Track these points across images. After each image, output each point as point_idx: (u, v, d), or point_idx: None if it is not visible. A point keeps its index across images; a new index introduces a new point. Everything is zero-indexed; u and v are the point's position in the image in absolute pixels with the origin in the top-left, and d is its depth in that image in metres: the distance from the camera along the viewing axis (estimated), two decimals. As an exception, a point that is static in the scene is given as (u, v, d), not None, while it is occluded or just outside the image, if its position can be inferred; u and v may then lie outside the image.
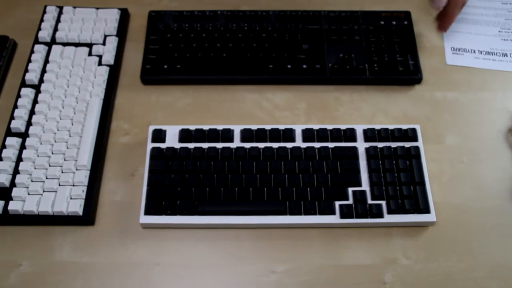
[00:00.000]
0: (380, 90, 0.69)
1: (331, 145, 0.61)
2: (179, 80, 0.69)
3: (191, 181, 0.59)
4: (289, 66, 0.69)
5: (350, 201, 0.58)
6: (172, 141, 0.62)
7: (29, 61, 0.68)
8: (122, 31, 0.73)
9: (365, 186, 0.59)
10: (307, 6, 0.76)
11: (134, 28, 0.74)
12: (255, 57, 0.69)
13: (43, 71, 0.68)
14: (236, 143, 0.62)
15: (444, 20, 0.68)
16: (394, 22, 0.73)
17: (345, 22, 0.73)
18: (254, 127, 0.63)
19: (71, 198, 0.59)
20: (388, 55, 0.70)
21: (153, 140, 0.62)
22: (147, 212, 0.58)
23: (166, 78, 0.69)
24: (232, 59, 0.69)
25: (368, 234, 0.58)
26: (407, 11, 0.74)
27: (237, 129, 0.63)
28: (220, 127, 0.63)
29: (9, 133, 0.63)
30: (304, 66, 0.69)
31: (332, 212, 0.57)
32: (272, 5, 0.77)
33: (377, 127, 0.63)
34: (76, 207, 0.58)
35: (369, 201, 0.58)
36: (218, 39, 0.71)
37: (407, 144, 0.62)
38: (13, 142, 0.62)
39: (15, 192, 0.59)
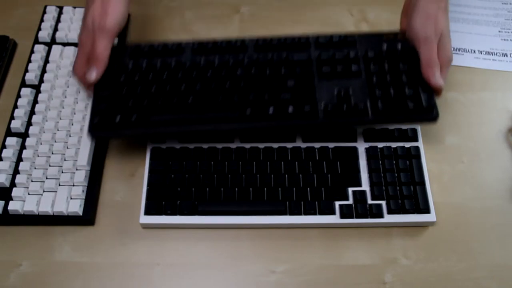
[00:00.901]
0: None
1: (331, 145, 0.61)
2: (135, 135, 0.59)
3: (191, 181, 0.59)
4: (271, 111, 0.56)
5: (350, 201, 0.58)
6: (172, 141, 0.62)
7: (29, 61, 0.68)
8: (122, 31, 0.72)
9: (365, 186, 0.59)
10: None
11: (134, 28, 0.74)
12: (229, 101, 0.57)
13: (43, 71, 0.68)
14: (236, 143, 0.62)
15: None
16: (399, 46, 0.61)
17: (339, 49, 0.60)
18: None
19: (71, 198, 0.59)
20: (394, 88, 0.57)
21: (153, 141, 0.62)
22: (147, 212, 0.58)
23: (119, 133, 0.58)
24: (199, 105, 0.57)
25: (368, 234, 0.58)
26: None
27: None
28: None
29: (9, 133, 0.63)
30: (290, 110, 0.56)
31: (332, 212, 0.57)
32: (272, 4, 0.77)
33: (377, 127, 0.63)
34: (76, 207, 0.58)
35: (369, 201, 0.58)
36: (183, 79, 0.58)
37: (407, 144, 0.61)
38: (13, 142, 0.62)
39: (15, 192, 0.59)
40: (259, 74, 0.59)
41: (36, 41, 0.71)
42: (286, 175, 0.59)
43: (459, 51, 0.73)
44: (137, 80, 0.59)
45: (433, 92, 0.58)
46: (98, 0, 0.59)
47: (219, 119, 0.56)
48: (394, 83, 0.58)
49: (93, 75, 0.58)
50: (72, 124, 0.63)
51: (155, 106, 0.57)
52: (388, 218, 0.57)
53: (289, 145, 0.61)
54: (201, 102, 0.57)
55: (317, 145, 0.61)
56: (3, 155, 0.61)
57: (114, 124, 0.57)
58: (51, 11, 0.73)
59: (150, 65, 0.60)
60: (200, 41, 0.61)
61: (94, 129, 0.57)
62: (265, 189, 0.59)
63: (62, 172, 0.60)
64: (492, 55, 0.72)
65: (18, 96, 0.66)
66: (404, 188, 0.58)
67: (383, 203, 0.58)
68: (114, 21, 0.59)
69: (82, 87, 0.61)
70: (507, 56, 0.72)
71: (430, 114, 0.57)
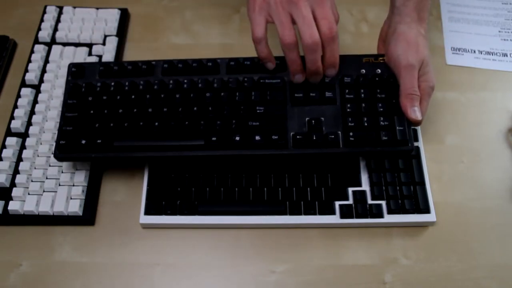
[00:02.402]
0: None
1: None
2: (99, 158, 0.57)
3: (191, 181, 0.59)
4: (237, 139, 0.54)
5: (350, 201, 0.58)
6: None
7: (29, 61, 0.69)
8: (122, 31, 0.73)
9: (365, 186, 0.59)
10: None
11: (134, 28, 0.74)
12: (195, 127, 0.55)
13: (43, 71, 0.68)
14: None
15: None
16: (378, 70, 0.58)
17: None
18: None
19: (71, 198, 0.59)
20: (368, 118, 0.55)
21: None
22: (147, 212, 0.58)
23: (83, 156, 0.57)
24: (165, 130, 0.55)
25: (368, 234, 0.58)
26: None
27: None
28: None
29: (9, 133, 0.63)
30: (257, 138, 0.54)
31: (332, 212, 0.57)
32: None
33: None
34: (76, 207, 0.58)
35: (369, 201, 0.58)
36: (151, 102, 0.57)
37: (407, 144, 0.61)
38: (13, 142, 0.62)
39: (15, 192, 0.59)
40: (228, 98, 0.57)
41: (36, 41, 0.71)
42: (286, 175, 0.59)
43: (459, 51, 0.73)
44: (104, 101, 0.58)
45: (410, 123, 0.55)
46: None
47: (184, 147, 0.55)
48: (369, 112, 0.55)
49: (272, 66, 0.56)
50: (72, 124, 0.63)
51: (120, 130, 0.56)
52: (388, 218, 0.57)
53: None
54: (167, 127, 0.56)
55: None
56: (3, 155, 0.61)
57: (79, 147, 0.56)
58: (51, 11, 0.73)
59: (118, 85, 0.59)
60: (171, 61, 0.60)
61: (60, 151, 0.57)
62: (265, 189, 0.59)
63: (62, 172, 0.60)
64: (492, 55, 0.72)
65: (18, 96, 0.66)
66: (404, 188, 0.58)
67: (383, 203, 0.58)
68: None
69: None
70: (507, 56, 0.72)
71: (404, 147, 0.55)
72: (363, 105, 0.56)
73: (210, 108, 0.56)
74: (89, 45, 0.70)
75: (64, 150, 0.57)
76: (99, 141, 0.55)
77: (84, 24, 0.72)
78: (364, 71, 0.58)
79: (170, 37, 0.73)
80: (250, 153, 0.55)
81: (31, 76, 0.67)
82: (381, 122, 0.55)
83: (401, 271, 0.56)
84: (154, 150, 0.55)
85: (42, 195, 0.59)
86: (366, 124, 0.55)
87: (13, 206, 0.58)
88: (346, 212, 0.57)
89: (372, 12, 0.76)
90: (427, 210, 0.58)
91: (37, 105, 0.65)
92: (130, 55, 0.72)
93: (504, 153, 0.64)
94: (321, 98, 0.56)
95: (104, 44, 0.71)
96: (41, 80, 0.67)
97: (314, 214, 0.57)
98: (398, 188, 0.59)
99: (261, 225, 0.58)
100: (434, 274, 0.56)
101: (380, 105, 0.56)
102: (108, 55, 0.69)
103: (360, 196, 0.58)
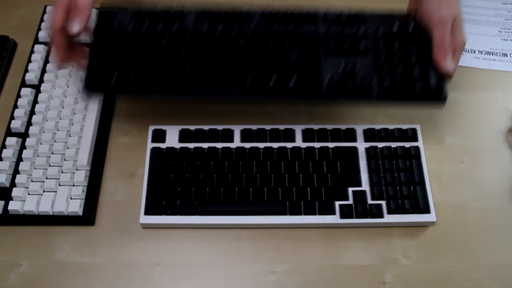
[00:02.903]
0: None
1: (331, 145, 0.61)
2: (128, 97, 0.59)
3: (191, 181, 0.59)
4: (271, 84, 0.55)
5: (350, 201, 0.58)
6: (172, 141, 0.62)
7: (29, 61, 0.68)
8: None
9: (365, 186, 0.59)
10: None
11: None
12: (229, 71, 0.55)
13: (43, 71, 0.68)
14: (236, 143, 0.62)
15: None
16: (411, 26, 0.59)
17: (348, 26, 0.58)
18: (254, 127, 0.63)
19: (71, 198, 0.59)
20: (402, 69, 0.56)
21: (153, 140, 0.62)
22: (147, 212, 0.58)
23: (113, 93, 0.59)
24: (198, 74, 0.55)
25: (368, 234, 0.58)
26: None
27: (237, 129, 0.63)
28: (220, 127, 0.63)
29: (9, 133, 0.63)
30: (292, 83, 0.55)
31: (332, 212, 0.57)
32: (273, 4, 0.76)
33: (377, 127, 0.63)
34: (76, 207, 0.58)
35: (369, 201, 0.58)
36: (183, 46, 0.56)
37: (407, 144, 0.61)
38: (13, 142, 0.62)
39: (15, 192, 0.59)
40: (262, 45, 0.57)
41: (36, 41, 0.71)
42: (286, 175, 0.59)
43: (459, 51, 0.73)
44: (135, 43, 0.57)
45: (443, 76, 0.56)
46: None
47: (217, 88, 0.55)
48: (402, 63, 0.56)
49: (76, 26, 0.53)
50: (72, 124, 0.63)
51: (152, 71, 0.55)
52: (388, 218, 0.57)
53: (289, 145, 0.61)
54: (200, 69, 0.55)
55: (317, 145, 0.61)
56: (3, 155, 0.61)
57: (108, 86, 0.55)
58: (51, 11, 0.73)
59: (150, 29, 0.57)
60: (204, 8, 0.59)
61: (89, 88, 0.56)
62: (265, 189, 0.59)
63: (62, 172, 0.60)
64: (492, 55, 0.72)
65: (18, 96, 0.66)
66: (404, 188, 0.58)
67: (383, 203, 0.58)
68: None
69: (57, 43, 0.54)
70: (507, 56, 0.72)
71: (437, 97, 0.55)
72: (396, 57, 0.56)
73: (244, 54, 0.56)
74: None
75: (93, 88, 0.56)
76: (129, 81, 0.55)
77: (84, 24, 0.72)
78: (396, 25, 0.59)
79: None
80: (285, 97, 0.55)
81: (31, 76, 0.67)
82: (415, 72, 0.55)
83: (401, 271, 0.56)
84: (187, 91, 0.55)
85: (42, 195, 0.59)
86: (399, 76, 0.55)
87: (13, 206, 0.58)
88: (346, 212, 0.57)
89: (372, 12, 0.76)
90: (427, 210, 0.58)
91: (37, 105, 0.65)
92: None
93: (504, 153, 0.64)
94: (355, 49, 0.57)
95: (104, 44, 0.71)
96: (41, 80, 0.67)
97: (314, 214, 0.58)
98: (398, 188, 0.59)
99: (261, 225, 0.58)
100: (434, 274, 0.56)
101: (413, 57, 0.56)
102: (108, 55, 0.69)
103: (360, 196, 0.58)
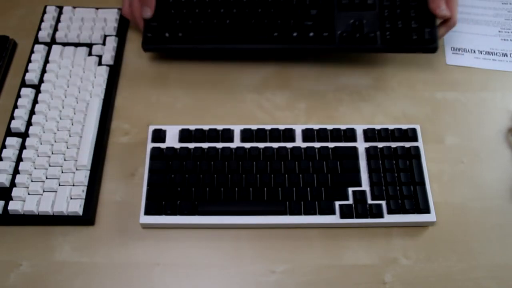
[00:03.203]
0: (380, 90, 0.69)
1: (331, 145, 0.61)
2: (180, 50, 0.69)
3: (191, 181, 0.59)
4: (295, 34, 0.65)
5: (350, 201, 0.58)
6: (172, 141, 0.62)
7: (29, 61, 0.69)
8: (122, 31, 0.73)
9: (365, 186, 0.59)
10: None
11: (134, 28, 0.74)
12: (260, 24, 0.66)
13: (43, 71, 0.68)
14: (236, 143, 0.62)
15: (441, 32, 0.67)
16: None
17: None
18: (254, 127, 0.63)
19: (71, 198, 0.59)
20: (402, 22, 0.65)
21: (153, 140, 0.62)
22: (147, 212, 0.58)
23: (167, 48, 0.68)
24: (235, 27, 0.66)
25: (368, 234, 0.58)
26: None
27: (237, 129, 0.63)
28: (220, 127, 0.63)
29: (9, 133, 0.63)
30: (311, 34, 0.65)
31: (332, 212, 0.57)
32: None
33: (377, 127, 0.63)
34: (76, 207, 0.58)
35: (369, 201, 0.58)
36: (222, 5, 0.68)
37: (407, 144, 0.61)
38: (13, 142, 0.62)
39: (15, 192, 0.59)
40: (286, 3, 0.67)
41: (36, 41, 0.71)
42: (286, 175, 0.59)
43: (459, 51, 0.73)
44: (183, 3, 0.68)
45: (443, 23, 0.66)
46: None
47: (251, 39, 0.66)
48: (402, 17, 0.65)
49: (149, 13, 0.68)
50: (72, 124, 0.63)
51: (198, 26, 0.67)
52: (388, 218, 0.57)
53: (289, 145, 0.61)
54: (236, 25, 0.66)
55: (317, 145, 0.61)
56: (3, 155, 0.61)
57: (163, 39, 0.67)
58: (51, 11, 0.73)
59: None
60: None
61: (147, 43, 0.67)
62: (265, 189, 0.59)
63: (62, 172, 0.60)
64: (492, 55, 0.72)
65: (18, 96, 0.66)
66: (404, 188, 0.58)
67: (383, 203, 0.58)
68: None
69: (136, 24, 0.70)
70: (507, 56, 0.72)
71: (431, 45, 0.64)
72: (398, 11, 0.66)
73: (272, 10, 0.66)
74: (89, 45, 0.70)
75: (150, 42, 0.67)
76: (180, 34, 0.66)
77: (84, 24, 0.72)
78: None
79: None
80: (305, 47, 0.66)
81: (31, 76, 0.67)
82: (413, 24, 0.65)
83: (401, 271, 0.56)
84: (228, 42, 0.66)
85: (42, 195, 0.59)
86: (400, 26, 0.65)
87: (13, 206, 0.58)
88: (346, 212, 0.57)
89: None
90: (427, 210, 0.58)
91: (37, 105, 0.65)
92: (130, 55, 0.72)
93: (504, 153, 0.64)
94: (363, 4, 0.67)
95: (104, 44, 0.71)
96: (41, 80, 0.67)
97: (314, 214, 0.58)
98: (398, 188, 0.59)
99: (261, 225, 0.58)
100: (434, 274, 0.56)
101: (412, 11, 0.65)
102: (108, 55, 0.69)
103: (360, 196, 0.58)
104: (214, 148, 0.61)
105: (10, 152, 0.61)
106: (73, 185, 0.60)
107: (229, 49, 0.67)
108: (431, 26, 0.65)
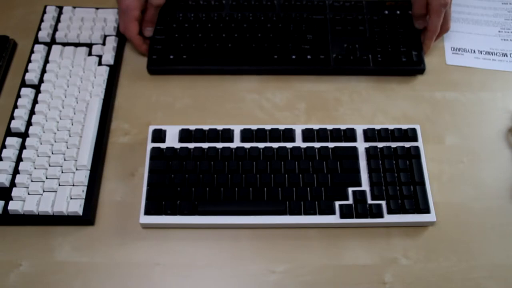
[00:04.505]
0: (380, 90, 0.69)
1: (331, 145, 0.61)
2: (184, 71, 0.70)
3: (191, 181, 0.59)
4: (293, 57, 0.69)
5: (350, 201, 0.58)
6: (172, 141, 0.62)
7: (29, 61, 0.68)
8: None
9: (365, 186, 0.59)
10: None
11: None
12: (260, 47, 0.70)
13: (43, 71, 0.68)
14: (236, 143, 0.62)
15: (423, 42, 0.70)
16: (398, 12, 0.73)
17: (349, 12, 0.73)
18: (254, 127, 0.63)
19: (71, 198, 0.59)
20: (391, 46, 0.70)
21: (153, 140, 0.62)
22: (147, 212, 0.58)
23: (172, 69, 0.69)
24: (237, 50, 0.69)
25: (368, 234, 0.58)
26: (410, 0, 0.72)
27: (237, 129, 0.63)
28: (220, 127, 0.63)
29: (9, 133, 0.63)
30: (309, 57, 0.69)
31: (332, 212, 0.57)
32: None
33: (377, 127, 0.63)
34: (76, 207, 0.58)
35: (369, 201, 0.58)
36: (224, 29, 0.71)
37: (407, 144, 0.61)
38: (13, 142, 0.62)
39: (15, 192, 0.59)
40: (284, 29, 0.71)
41: (36, 41, 0.71)
42: (286, 175, 0.59)
43: (459, 51, 0.73)
44: (186, 28, 0.71)
45: (422, 49, 0.70)
46: None
47: (252, 61, 0.69)
48: (391, 41, 0.70)
49: (150, 32, 0.71)
50: (72, 124, 0.63)
51: (201, 48, 0.70)
52: (388, 218, 0.57)
53: (289, 145, 0.61)
54: (238, 48, 0.70)
55: (317, 145, 0.61)
56: (3, 155, 0.61)
57: (168, 61, 0.69)
58: (51, 11, 0.73)
59: (196, 17, 0.72)
60: (237, 0, 0.74)
61: (152, 64, 0.69)
62: (265, 189, 0.59)
63: (62, 172, 0.60)
64: (492, 55, 0.72)
65: (18, 96, 0.66)
66: (404, 188, 0.58)
67: (383, 203, 0.58)
68: None
69: (132, 42, 0.70)
70: (507, 56, 0.72)
71: (418, 66, 0.69)
72: (387, 36, 0.71)
73: (271, 35, 0.71)
74: (89, 45, 0.70)
75: (156, 64, 0.69)
76: (185, 56, 0.69)
77: (84, 24, 0.72)
78: (387, 12, 0.73)
79: None
80: (303, 68, 0.70)
81: (31, 76, 0.67)
82: (401, 48, 0.70)
83: (401, 271, 0.56)
84: (230, 64, 0.70)
85: (42, 195, 0.59)
86: (389, 49, 0.70)
87: (13, 206, 0.58)
88: (346, 212, 0.57)
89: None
90: (427, 210, 0.58)
91: (37, 105, 0.65)
92: (130, 55, 0.72)
93: (504, 153, 0.64)
94: (355, 30, 0.72)
95: (104, 44, 0.71)
96: (41, 80, 0.67)
97: (314, 214, 0.58)
98: (398, 188, 0.59)
99: (261, 225, 0.58)
100: (434, 274, 0.56)
101: (400, 36, 0.71)
102: (108, 55, 0.69)
103: (360, 196, 0.58)
104: (214, 148, 0.61)
105: (10, 152, 0.61)
106: (73, 185, 0.60)
107: (232, 70, 0.70)
108: (418, 49, 0.70)
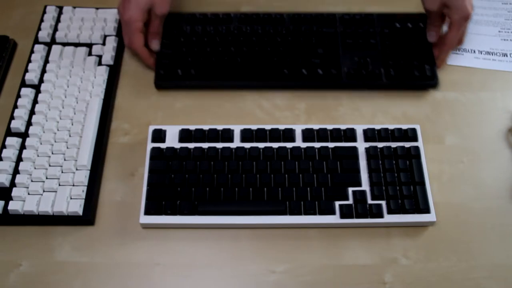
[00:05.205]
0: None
1: (331, 145, 0.61)
2: (193, 86, 0.68)
3: (191, 181, 0.59)
4: (304, 72, 0.67)
5: (350, 201, 0.58)
6: (172, 141, 0.62)
7: (29, 61, 0.69)
8: (122, 31, 0.73)
9: (365, 186, 0.59)
10: (310, 7, 0.75)
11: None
12: (270, 62, 0.68)
13: (43, 71, 0.68)
14: (236, 143, 0.62)
15: (437, 56, 0.69)
16: (409, 25, 0.71)
17: (360, 25, 0.71)
18: (254, 127, 0.63)
19: (71, 198, 0.59)
20: (404, 60, 0.68)
21: (153, 140, 0.62)
22: (147, 212, 0.58)
23: (179, 84, 0.68)
24: (246, 64, 0.68)
25: (368, 234, 0.58)
26: (422, 13, 0.70)
27: (237, 129, 0.63)
28: (220, 127, 0.63)
29: (9, 133, 0.63)
30: (319, 72, 0.67)
31: (332, 212, 0.57)
32: (272, 4, 0.77)
33: (377, 127, 0.63)
34: (76, 207, 0.58)
35: (369, 201, 0.58)
36: (232, 43, 0.69)
37: (407, 144, 0.61)
38: (13, 142, 0.62)
39: (15, 192, 0.59)
40: (294, 42, 0.70)
41: (36, 41, 0.71)
42: (286, 175, 0.59)
43: (459, 51, 0.73)
44: (194, 42, 0.70)
45: (435, 64, 0.68)
46: None
47: (262, 76, 0.68)
48: (404, 55, 0.69)
49: (157, 46, 0.69)
50: (72, 124, 0.63)
51: (209, 63, 0.68)
52: (388, 218, 0.57)
53: (289, 145, 0.61)
54: (247, 62, 0.68)
55: (317, 145, 0.61)
56: (3, 155, 0.61)
57: (176, 76, 0.67)
58: (51, 11, 0.73)
59: (204, 30, 0.71)
60: (246, 13, 0.72)
61: (159, 79, 0.68)
62: (265, 189, 0.59)
63: (62, 172, 0.60)
64: (492, 55, 0.72)
65: (18, 96, 0.66)
66: (404, 188, 0.58)
67: (383, 203, 0.58)
68: (168, 7, 0.68)
69: (142, 57, 0.69)
70: (507, 56, 0.72)
71: (431, 81, 0.68)
72: (399, 50, 0.69)
73: (280, 49, 0.69)
74: (89, 45, 0.70)
75: (163, 79, 0.68)
76: (193, 71, 0.67)
77: (84, 24, 0.72)
78: (398, 25, 0.72)
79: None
80: (313, 83, 0.68)
81: (31, 76, 0.67)
82: (414, 62, 0.68)
83: (401, 271, 0.56)
84: (240, 79, 0.68)
85: (42, 195, 0.59)
86: (402, 64, 0.68)
87: (13, 206, 0.58)
88: (346, 212, 0.57)
89: (371, 11, 0.76)
90: (427, 210, 0.58)
91: (37, 105, 0.65)
92: (130, 55, 0.72)
93: (504, 153, 0.64)
94: (366, 44, 0.70)
95: (104, 44, 0.71)
96: (41, 80, 0.67)
97: (314, 214, 0.58)
98: (398, 188, 0.59)
99: (261, 225, 0.58)
100: (434, 274, 0.56)
101: (412, 50, 0.69)
102: (108, 55, 0.69)
103: (360, 196, 0.58)
104: (214, 148, 0.61)
105: (10, 152, 0.61)
106: (73, 185, 0.60)
107: (241, 85, 0.68)
108: (431, 63, 0.68)
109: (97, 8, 0.74)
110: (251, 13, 0.72)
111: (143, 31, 0.67)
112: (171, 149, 0.61)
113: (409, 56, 0.68)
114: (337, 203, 0.58)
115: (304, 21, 0.72)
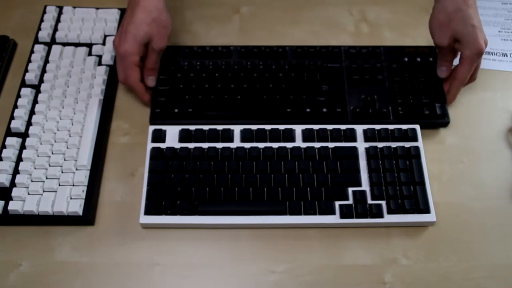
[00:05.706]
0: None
1: (331, 145, 0.61)
2: (189, 124, 0.63)
3: (191, 181, 0.59)
4: (308, 110, 0.64)
5: (350, 201, 0.58)
6: (172, 141, 0.62)
7: (29, 61, 0.68)
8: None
9: (365, 186, 0.59)
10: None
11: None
12: (272, 100, 0.65)
13: (43, 71, 0.68)
14: (236, 143, 0.62)
15: (447, 92, 0.66)
16: (418, 59, 0.68)
17: (366, 59, 0.68)
18: (254, 127, 0.63)
19: (71, 198, 0.59)
20: (413, 97, 0.65)
21: (153, 140, 0.62)
22: (147, 212, 0.58)
23: (176, 122, 0.63)
24: (247, 102, 0.64)
25: (368, 234, 0.58)
26: (431, 46, 0.67)
27: (237, 129, 0.63)
28: (220, 127, 0.63)
29: (9, 133, 0.63)
30: (324, 110, 0.64)
31: (332, 212, 0.57)
32: (272, 4, 0.77)
33: (377, 127, 0.63)
34: (76, 207, 0.58)
35: (369, 201, 0.58)
36: (232, 79, 0.66)
37: (407, 144, 0.61)
38: (13, 142, 0.62)
39: (15, 192, 0.59)
40: (297, 78, 0.66)
41: (36, 41, 0.71)
42: (286, 175, 0.59)
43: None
44: (192, 77, 0.66)
45: (446, 101, 0.65)
46: (148, 17, 0.62)
47: (263, 115, 0.64)
48: (413, 92, 0.65)
49: (153, 82, 0.66)
50: (72, 124, 0.63)
51: (208, 101, 0.65)
52: (388, 218, 0.57)
53: (289, 145, 0.61)
54: (248, 100, 0.65)
55: (317, 145, 0.61)
56: (3, 155, 0.61)
57: (172, 115, 0.64)
58: (51, 11, 0.73)
59: (202, 65, 0.67)
60: (246, 46, 0.69)
61: (155, 118, 0.64)
62: (265, 189, 0.59)
63: (62, 172, 0.60)
64: (492, 55, 0.72)
65: (18, 96, 0.66)
66: (404, 188, 0.58)
67: (383, 203, 0.58)
68: (166, 41, 0.64)
69: (138, 93, 0.65)
70: (507, 56, 0.72)
71: (442, 119, 0.64)
72: (408, 86, 0.66)
73: (283, 85, 0.66)
74: (89, 45, 0.70)
75: (159, 117, 0.64)
76: (190, 110, 0.64)
77: (84, 24, 0.72)
78: (406, 59, 0.68)
79: (170, 37, 0.73)
80: (318, 123, 0.63)
81: (31, 76, 0.67)
82: (424, 100, 0.65)
83: (401, 271, 0.56)
84: (240, 119, 0.64)
85: (42, 195, 0.59)
86: (411, 101, 0.65)
87: (13, 206, 0.58)
88: (346, 212, 0.57)
89: (372, 12, 0.76)
90: (427, 210, 0.58)
91: (37, 105, 0.65)
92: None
93: (504, 153, 0.64)
94: (373, 79, 0.66)
95: (104, 44, 0.71)
96: (41, 80, 0.67)
97: (314, 214, 0.57)
98: (398, 188, 0.59)
99: (261, 225, 0.58)
100: (434, 274, 0.56)
101: (422, 86, 0.66)
102: (108, 55, 0.69)
103: (360, 196, 0.58)
104: (214, 148, 0.61)
105: (10, 152, 0.61)
106: (73, 185, 0.60)
107: (242, 123, 0.63)
108: (442, 100, 0.65)
109: (97, 8, 0.74)
110: (251, 46, 0.69)
111: (140, 66, 0.64)
112: (171, 149, 0.61)
113: (418, 93, 0.65)
114: (337, 203, 0.58)
115: (307, 55, 0.68)
